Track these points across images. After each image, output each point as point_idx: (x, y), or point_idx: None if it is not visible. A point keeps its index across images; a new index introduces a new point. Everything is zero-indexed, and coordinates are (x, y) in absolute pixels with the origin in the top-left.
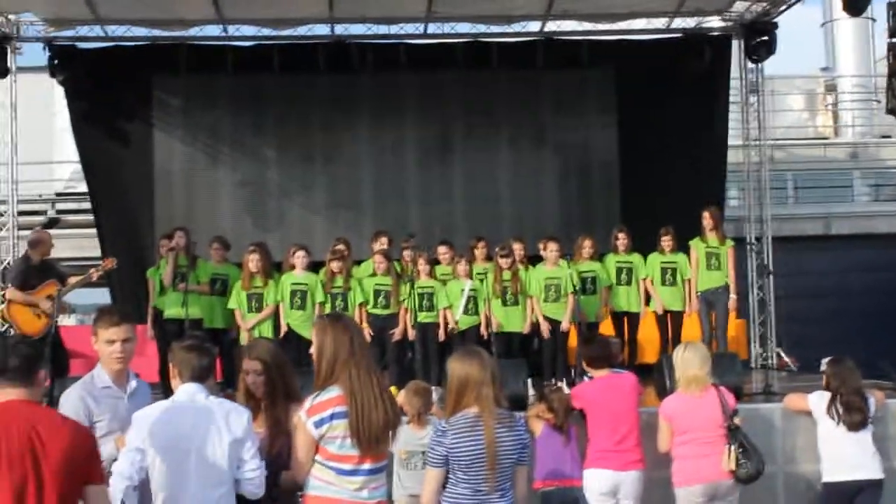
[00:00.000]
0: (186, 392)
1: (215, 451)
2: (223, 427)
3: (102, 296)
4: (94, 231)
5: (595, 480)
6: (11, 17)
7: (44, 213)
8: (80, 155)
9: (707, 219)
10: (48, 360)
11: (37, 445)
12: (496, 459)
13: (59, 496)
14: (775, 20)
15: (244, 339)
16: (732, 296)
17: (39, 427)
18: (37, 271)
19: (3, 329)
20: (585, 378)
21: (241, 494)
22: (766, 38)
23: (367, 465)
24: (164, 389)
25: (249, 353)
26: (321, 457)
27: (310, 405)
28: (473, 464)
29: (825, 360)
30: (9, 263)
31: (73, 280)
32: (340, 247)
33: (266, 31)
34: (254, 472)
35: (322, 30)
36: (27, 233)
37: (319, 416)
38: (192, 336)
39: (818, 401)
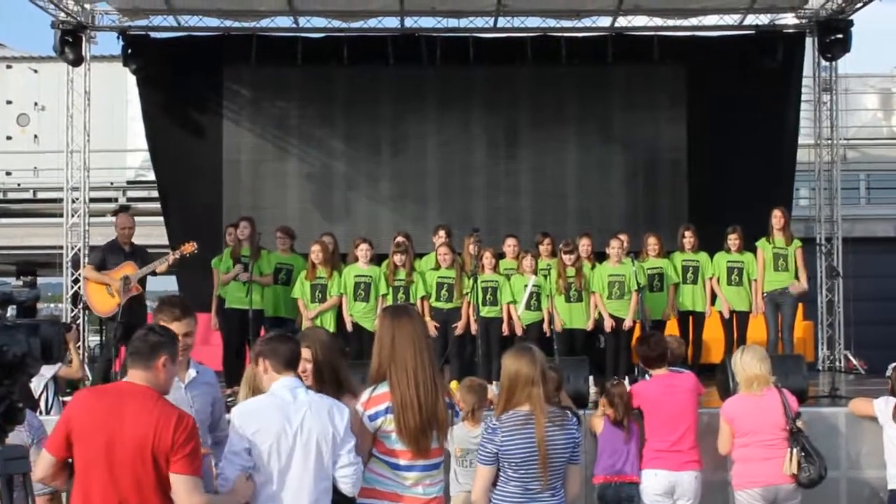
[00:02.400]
0: (286, 386)
1: (321, 447)
2: (328, 423)
3: (171, 283)
4: (163, 219)
5: (651, 480)
6: (87, 6)
7: (114, 200)
8: (150, 143)
9: (776, 218)
10: (118, 343)
11: (114, 424)
12: (547, 458)
13: (132, 476)
14: (851, 18)
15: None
16: (804, 285)
17: (126, 408)
18: (121, 253)
19: (74, 314)
20: (647, 377)
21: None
22: (840, 35)
23: (421, 462)
24: (227, 378)
25: (302, 341)
26: (377, 450)
27: (366, 398)
28: (524, 462)
29: (892, 365)
30: (79, 249)
31: (153, 264)
32: (401, 239)
33: (336, 24)
34: (352, 469)
35: (392, 22)
36: (98, 219)
37: (375, 410)
38: (273, 330)
39: (884, 406)
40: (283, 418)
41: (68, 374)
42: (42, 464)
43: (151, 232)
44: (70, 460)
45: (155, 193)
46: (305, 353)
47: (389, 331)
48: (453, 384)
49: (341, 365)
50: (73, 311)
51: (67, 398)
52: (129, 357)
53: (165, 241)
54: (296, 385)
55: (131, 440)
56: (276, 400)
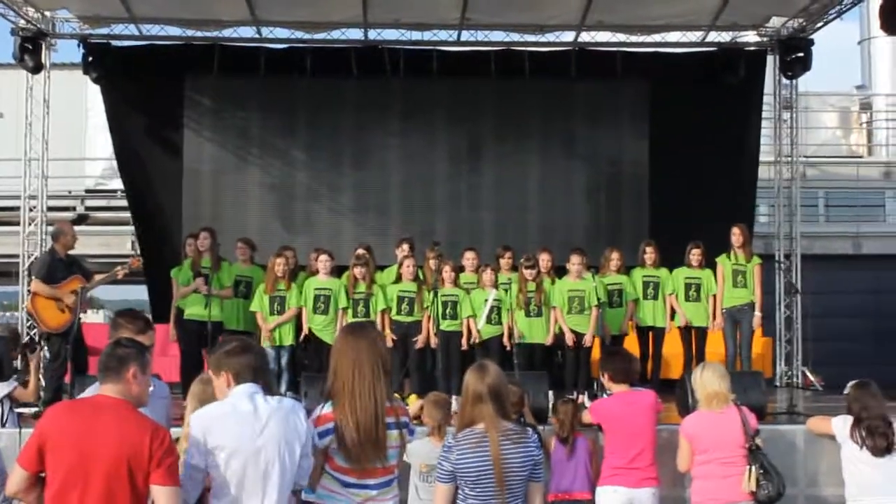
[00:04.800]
0: (245, 393)
1: (284, 456)
2: (291, 429)
3: (131, 292)
4: (122, 228)
5: (610, 497)
6: (47, 13)
7: (73, 209)
8: (116, 151)
9: (735, 235)
10: (69, 357)
11: (90, 438)
12: (504, 476)
13: (107, 490)
14: (811, 37)
15: (265, 341)
16: (757, 314)
17: (102, 421)
18: (63, 265)
19: (30, 324)
20: (605, 394)
21: None
22: (801, 54)
23: (372, 480)
24: (184, 389)
25: None
26: (329, 466)
27: (316, 416)
28: (479, 480)
29: (850, 384)
30: (36, 258)
31: (98, 277)
32: (361, 251)
33: (299, 34)
34: (307, 463)
35: (355, 34)
36: None
37: (324, 428)
38: (237, 338)
39: (842, 424)
40: (246, 428)
41: (21, 397)
42: (15, 478)
43: (110, 241)
44: (43, 474)
45: (114, 203)
46: None
47: (339, 350)
48: (413, 397)
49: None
50: (28, 321)
51: (21, 409)
52: (99, 373)
53: (124, 251)
54: (254, 391)
55: (106, 453)
56: (237, 409)
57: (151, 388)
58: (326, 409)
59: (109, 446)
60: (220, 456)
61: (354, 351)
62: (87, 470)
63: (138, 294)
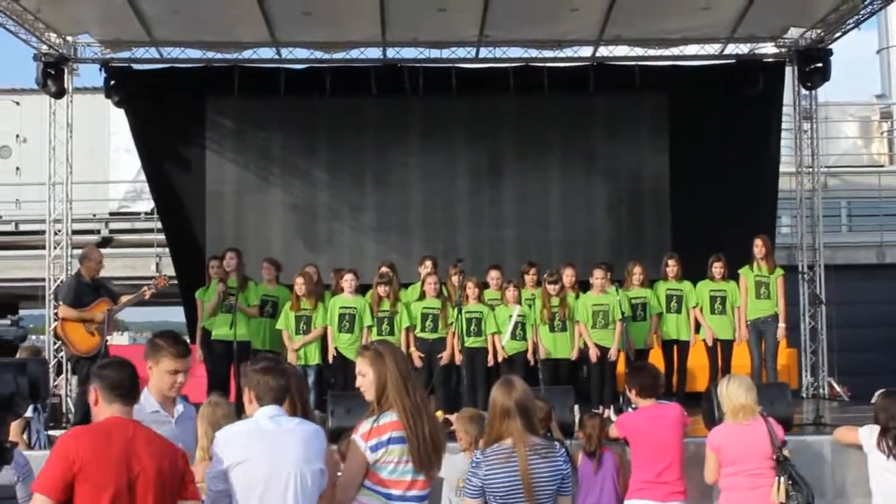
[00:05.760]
0: (267, 415)
1: (305, 475)
2: (312, 450)
3: (155, 314)
4: (145, 250)
5: None
6: (69, 38)
7: (97, 232)
8: (146, 173)
9: (758, 247)
10: None
11: (133, 460)
12: (533, 491)
13: None
14: (830, 47)
15: (291, 360)
16: (781, 325)
17: (137, 443)
18: (89, 289)
19: (56, 347)
20: (631, 408)
21: None
22: (820, 64)
23: (414, 492)
24: None
25: None
26: (370, 481)
27: (367, 429)
28: (508, 496)
29: (877, 393)
30: (62, 282)
31: (125, 298)
32: (385, 270)
33: (318, 54)
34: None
35: (374, 53)
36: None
37: (377, 440)
38: (266, 358)
39: (868, 434)
40: (266, 447)
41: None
42: None
43: (135, 263)
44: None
45: (137, 225)
46: None
47: (387, 363)
48: (439, 413)
49: (307, 397)
50: (55, 343)
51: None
52: (115, 393)
53: (148, 273)
54: (276, 413)
55: (151, 474)
56: (259, 428)
57: (181, 409)
58: (387, 419)
59: (153, 467)
60: (241, 475)
61: (402, 366)
62: (134, 492)
63: (163, 315)
